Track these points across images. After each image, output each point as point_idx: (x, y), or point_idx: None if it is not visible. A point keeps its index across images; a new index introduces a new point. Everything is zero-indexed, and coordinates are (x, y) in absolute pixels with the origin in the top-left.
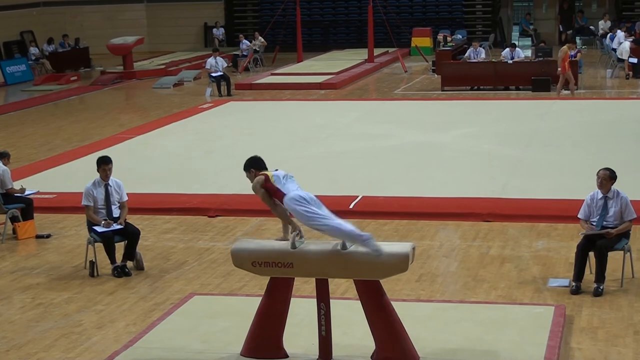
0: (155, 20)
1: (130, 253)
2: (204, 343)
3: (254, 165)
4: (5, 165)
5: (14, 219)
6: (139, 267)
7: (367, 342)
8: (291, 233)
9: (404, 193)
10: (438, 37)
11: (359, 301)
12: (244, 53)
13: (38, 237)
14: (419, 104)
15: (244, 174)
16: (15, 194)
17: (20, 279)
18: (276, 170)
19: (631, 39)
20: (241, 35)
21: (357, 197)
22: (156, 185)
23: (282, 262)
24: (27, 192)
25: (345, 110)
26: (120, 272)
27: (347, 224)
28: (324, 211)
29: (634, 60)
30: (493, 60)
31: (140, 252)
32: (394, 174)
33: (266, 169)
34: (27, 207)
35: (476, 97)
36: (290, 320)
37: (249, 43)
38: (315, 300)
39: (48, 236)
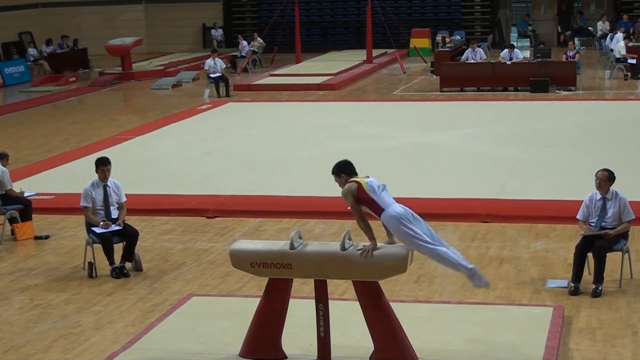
0: (154, 21)
1: (128, 254)
2: (203, 344)
3: (345, 170)
4: (4, 166)
5: (12, 220)
6: (138, 268)
7: (365, 343)
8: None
9: (402, 194)
10: (437, 37)
11: (358, 302)
12: (243, 54)
13: (37, 238)
14: (417, 104)
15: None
16: (14, 196)
17: (19, 280)
18: (368, 177)
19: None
20: (240, 36)
21: None
22: (155, 186)
23: (281, 263)
24: (26, 194)
25: (343, 111)
26: (118, 273)
27: (452, 253)
28: (423, 227)
29: (633, 60)
30: (491, 61)
31: (139, 253)
32: (393, 174)
33: (356, 173)
34: (25, 208)
35: (475, 98)
36: (289, 321)
37: (247, 44)
38: (314, 301)
39: (47, 237)
